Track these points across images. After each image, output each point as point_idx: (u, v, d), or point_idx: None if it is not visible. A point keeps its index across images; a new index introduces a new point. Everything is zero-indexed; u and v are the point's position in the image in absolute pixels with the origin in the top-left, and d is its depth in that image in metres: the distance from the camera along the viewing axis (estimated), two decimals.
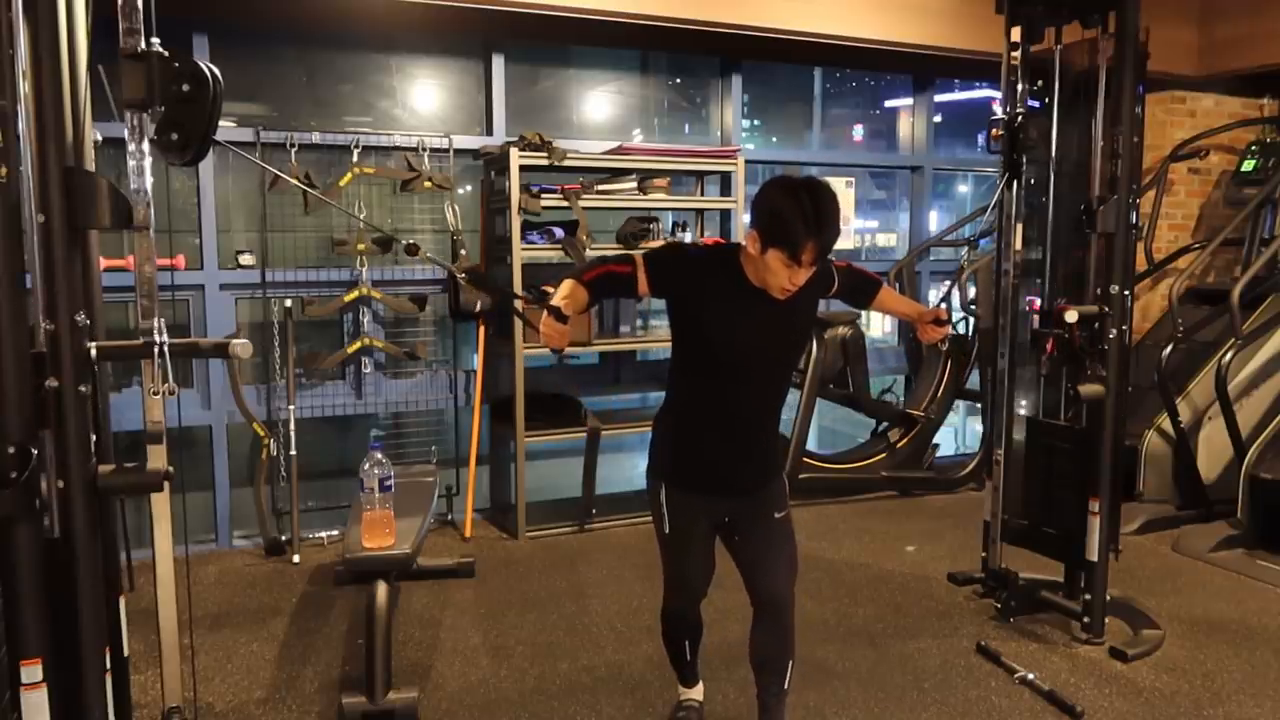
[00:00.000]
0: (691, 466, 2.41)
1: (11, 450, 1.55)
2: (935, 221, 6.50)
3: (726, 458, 2.38)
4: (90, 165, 1.79)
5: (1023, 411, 3.75)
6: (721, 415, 2.34)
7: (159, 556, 2.37)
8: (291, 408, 4.25)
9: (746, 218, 5.28)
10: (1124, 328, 3.34)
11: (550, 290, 4.90)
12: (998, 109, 3.58)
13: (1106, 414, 3.32)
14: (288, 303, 4.25)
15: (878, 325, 7.04)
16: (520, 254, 4.35)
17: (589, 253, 4.43)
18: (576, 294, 2.31)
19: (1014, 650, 3.32)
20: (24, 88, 1.55)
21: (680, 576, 2.56)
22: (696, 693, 2.82)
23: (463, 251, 4.47)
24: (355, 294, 4.41)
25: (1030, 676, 3.09)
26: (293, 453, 4.24)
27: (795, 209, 2.10)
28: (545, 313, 2.26)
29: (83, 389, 1.66)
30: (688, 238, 4.82)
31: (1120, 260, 3.27)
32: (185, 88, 1.71)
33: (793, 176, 2.27)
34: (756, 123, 6.72)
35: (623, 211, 4.77)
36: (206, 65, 1.72)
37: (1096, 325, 3.30)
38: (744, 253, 2.27)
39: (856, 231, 6.49)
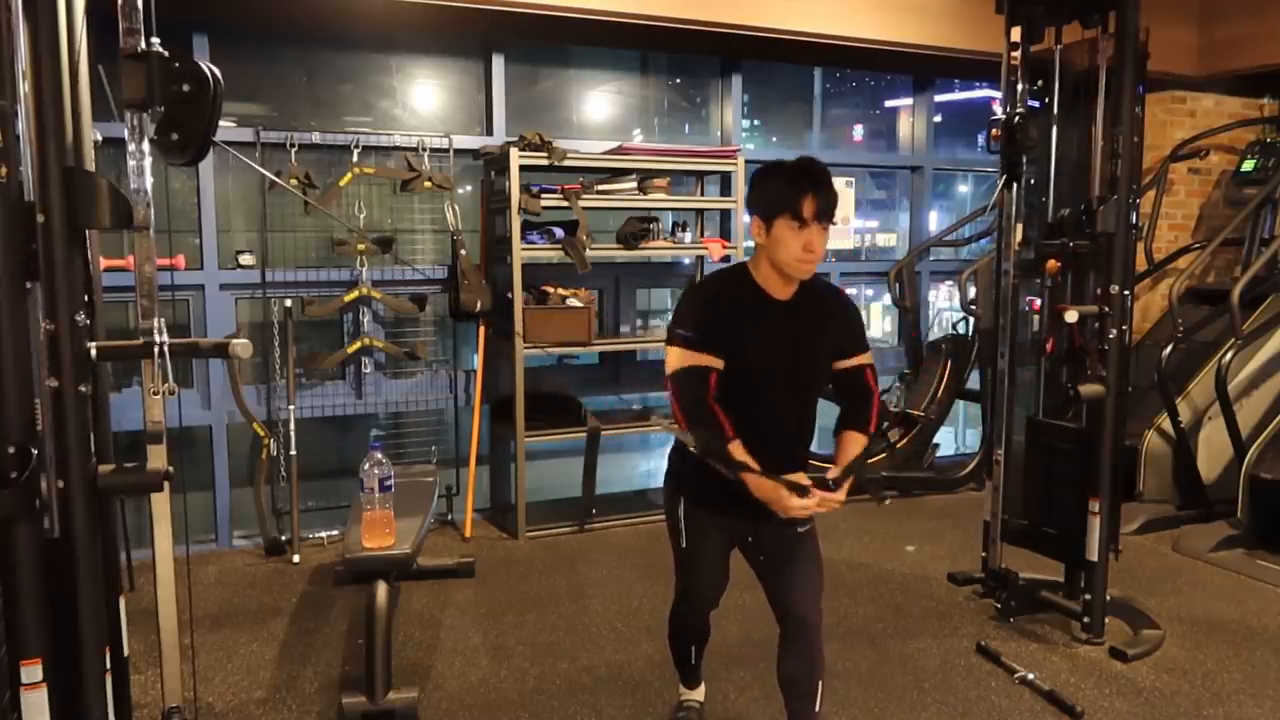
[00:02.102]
0: (715, 488, 2.34)
1: (11, 450, 1.55)
2: (935, 221, 6.50)
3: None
4: (90, 165, 1.79)
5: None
6: (749, 438, 2.26)
7: (159, 556, 2.37)
8: (291, 408, 4.25)
9: (747, 218, 5.29)
10: (1124, 328, 3.34)
11: (550, 290, 4.91)
12: (998, 109, 3.57)
13: (1106, 414, 3.32)
14: (288, 303, 4.25)
15: (877, 325, 7.04)
16: (520, 254, 4.35)
17: (588, 253, 4.44)
18: (738, 447, 2.20)
19: (1014, 650, 3.32)
20: (24, 88, 1.55)
21: (694, 589, 2.55)
22: (698, 694, 2.82)
23: (463, 251, 4.47)
24: (355, 294, 4.41)
25: (1030, 676, 3.09)
26: (293, 453, 4.24)
27: (784, 171, 2.17)
28: (784, 490, 2.16)
29: (83, 389, 1.66)
30: (688, 238, 4.81)
31: (1120, 260, 3.27)
32: (185, 88, 1.71)
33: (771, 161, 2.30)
34: (756, 123, 6.72)
35: (623, 211, 4.77)
36: (207, 65, 1.71)
37: (1096, 325, 3.30)
38: (752, 262, 2.26)
39: (856, 231, 6.49)
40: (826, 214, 2.16)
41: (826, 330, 2.33)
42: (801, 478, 2.19)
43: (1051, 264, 3.47)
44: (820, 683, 2.36)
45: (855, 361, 2.38)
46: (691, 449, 2.23)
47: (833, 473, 2.26)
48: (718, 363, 2.21)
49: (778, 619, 2.40)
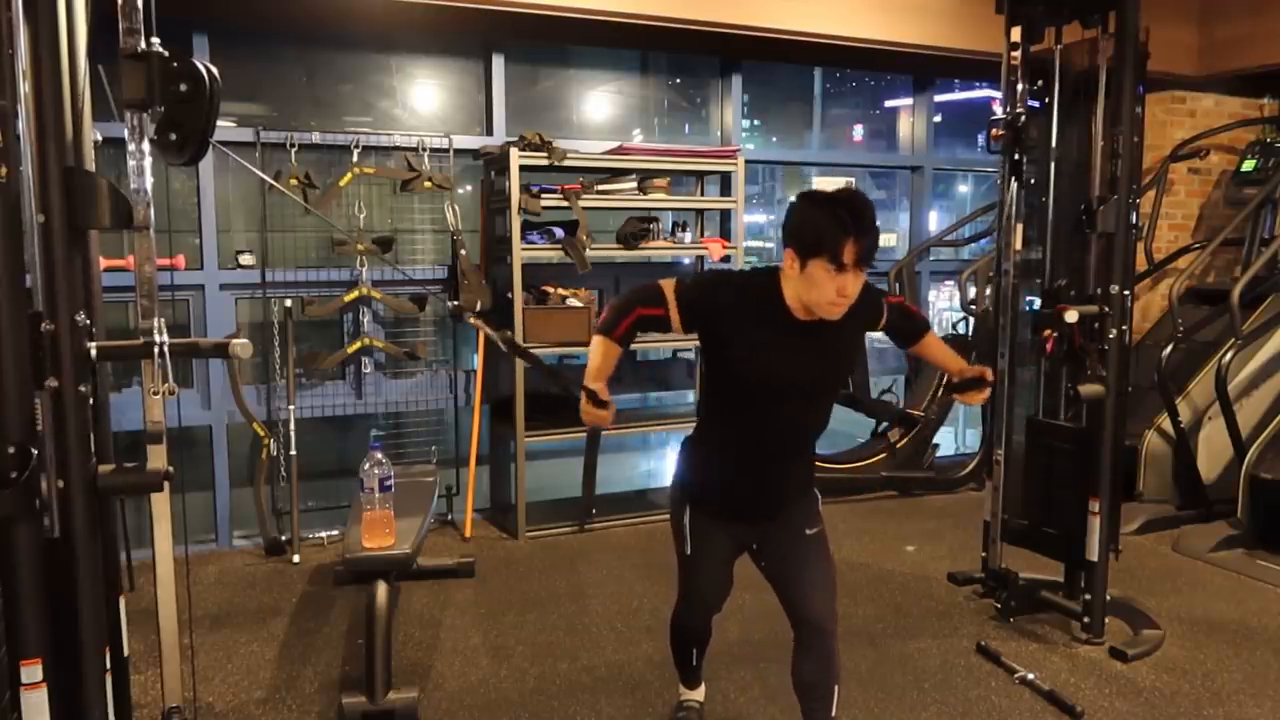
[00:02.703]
0: (720, 495, 2.34)
1: (11, 450, 1.55)
2: (935, 221, 6.50)
3: (757, 490, 2.31)
4: (90, 165, 1.79)
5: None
6: (755, 449, 2.25)
7: (159, 556, 2.37)
8: (291, 408, 4.25)
9: (747, 218, 5.28)
10: (1124, 328, 3.34)
11: (550, 290, 4.91)
12: (998, 109, 3.58)
13: (1106, 414, 3.32)
14: (288, 303, 4.25)
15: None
16: (520, 254, 4.35)
17: (589, 253, 4.44)
18: (608, 362, 2.24)
19: (1014, 650, 3.32)
20: (24, 88, 1.55)
21: (697, 594, 2.54)
22: (698, 694, 2.81)
23: (463, 251, 4.48)
24: (355, 294, 4.41)
25: (1030, 676, 3.09)
26: (293, 453, 4.24)
27: (828, 212, 2.03)
28: (584, 397, 2.20)
29: (83, 389, 1.66)
30: (688, 238, 4.81)
31: (1120, 260, 3.27)
32: (184, 88, 1.71)
33: (812, 190, 2.21)
34: (756, 123, 6.72)
35: (623, 211, 4.76)
36: (204, 65, 1.71)
37: (1096, 325, 3.30)
38: (782, 275, 2.16)
39: None
40: (867, 259, 2.06)
41: (843, 342, 2.28)
42: (603, 390, 2.23)
43: (1047, 332, 3.43)
44: (836, 687, 2.33)
45: (889, 314, 2.40)
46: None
47: (966, 371, 2.41)
48: (674, 320, 2.21)
49: (792, 624, 2.36)
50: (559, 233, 4.48)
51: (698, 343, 2.33)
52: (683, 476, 2.46)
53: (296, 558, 4.20)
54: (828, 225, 2.02)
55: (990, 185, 6.85)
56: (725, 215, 5.18)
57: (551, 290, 4.58)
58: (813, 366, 2.21)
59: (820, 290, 2.06)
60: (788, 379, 2.20)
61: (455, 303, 2.62)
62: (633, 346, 5.39)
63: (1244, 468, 4.42)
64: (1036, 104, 3.57)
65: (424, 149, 4.53)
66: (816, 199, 2.09)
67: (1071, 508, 3.41)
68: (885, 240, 6.81)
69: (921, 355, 2.60)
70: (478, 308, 4.44)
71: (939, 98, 6.23)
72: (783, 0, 4.69)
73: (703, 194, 5.16)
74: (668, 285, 2.24)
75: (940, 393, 5.37)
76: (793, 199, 2.18)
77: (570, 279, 4.63)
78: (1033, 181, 3.61)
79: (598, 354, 2.26)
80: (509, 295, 4.42)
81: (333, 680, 3.11)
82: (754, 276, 2.27)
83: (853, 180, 5.88)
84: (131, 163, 1.77)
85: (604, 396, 2.20)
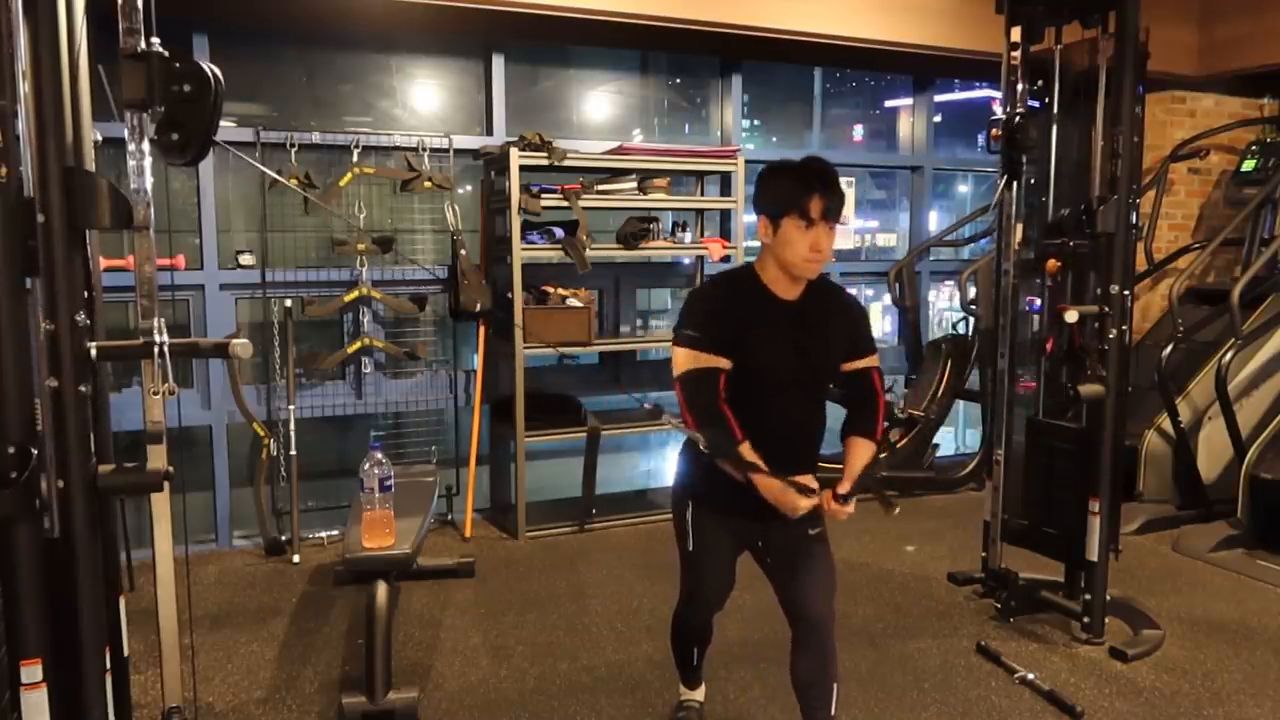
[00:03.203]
0: (724, 492, 2.33)
1: (11, 450, 1.55)
2: (935, 221, 6.50)
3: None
4: (90, 165, 1.79)
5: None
6: (756, 437, 2.25)
7: (159, 556, 2.37)
8: (291, 408, 4.25)
9: (747, 218, 5.28)
10: (1124, 328, 3.34)
11: (550, 290, 4.91)
12: (998, 109, 3.57)
13: (1106, 414, 3.32)
14: (288, 303, 4.25)
15: (877, 325, 7.04)
16: (520, 254, 4.35)
17: (589, 253, 4.44)
18: (747, 443, 2.21)
19: (1014, 650, 3.32)
20: (24, 88, 1.55)
21: (699, 592, 2.54)
22: (698, 694, 2.81)
23: (463, 251, 4.48)
24: (355, 294, 4.41)
25: (1030, 676, 3.09)
26: (293, 453, 4.24)
27: (791, 171, 2.16)
28: (795, 493, 2.17)
29: (83, 389, 1.66)
30: (688, 238, 4.81)
31: (1120, 260, 3.27)
32: (186, 88, 1.71)
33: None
34: (756, 123, 6.71)
35: (623, 211, 4.77)
36: (207, 65, 1.71)
37: (1096, 325, 3.30)
38: (759, 263, 2.25)
39: (856, 231, 6.50)
40: (834, 213, 2.16)
41: (834, 330, 2.33)
42: (809, 480, 2.19)
43: (1051, 263, 3.47)
44: (835, 685, 2.34)
45: (862, 364, 2.38)
46: (703, 448, 2.22)
47: (843, 486, 2.26)
48: (725, 363, 2.21)
49: (790, 622, 2.38)
50: (559, 233, 4.48)
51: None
52: (686, 474, 2.47)
53: (296, 558, 4.20)
54: (794, 185, 2.15)
55: (990, 185, 6.85)
56: (725, 215, 5.18)
57: (551, 290, 4.58)
58: (805, 348, 2.27)
59: (794, 248, 2.17)
60: (784, 363, 2.24)
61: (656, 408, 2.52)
62: (633, 346, 5.42)
63: (1244, 468, 4.42)
64: (1036, 104, 3.57)
65: (424, 149, 4.53)
66: (778, 166, 2.21)
67: (1071, 508, 3.41)
68: (885, 240, 6.82)
69: (844, 433, 2.42)
70: (477, 307, 4.44)
71: (939, 98, 6.24)
72: (783, 0, 4.69)
73: (703, 194, 5.17)
74: (690, 356, 2.23)
75: (931, 401, 5.37)
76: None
77: (570, 279, 4.63)
78: (1033, 181, 3.61)
79: (742, 450, 2.20)
80: (509, 295, 4.42)
81: (333, 680, 3.11)
82: (729, 276, 2.37)
83: (852, 180, 5.87)
84: (131, 163, 1.77)
85: (811, 485, 2.19)
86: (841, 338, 2.35)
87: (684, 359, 2.24)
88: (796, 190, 2.14)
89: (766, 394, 2.26)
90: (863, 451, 2.36)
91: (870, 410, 2.40)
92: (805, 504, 2.18)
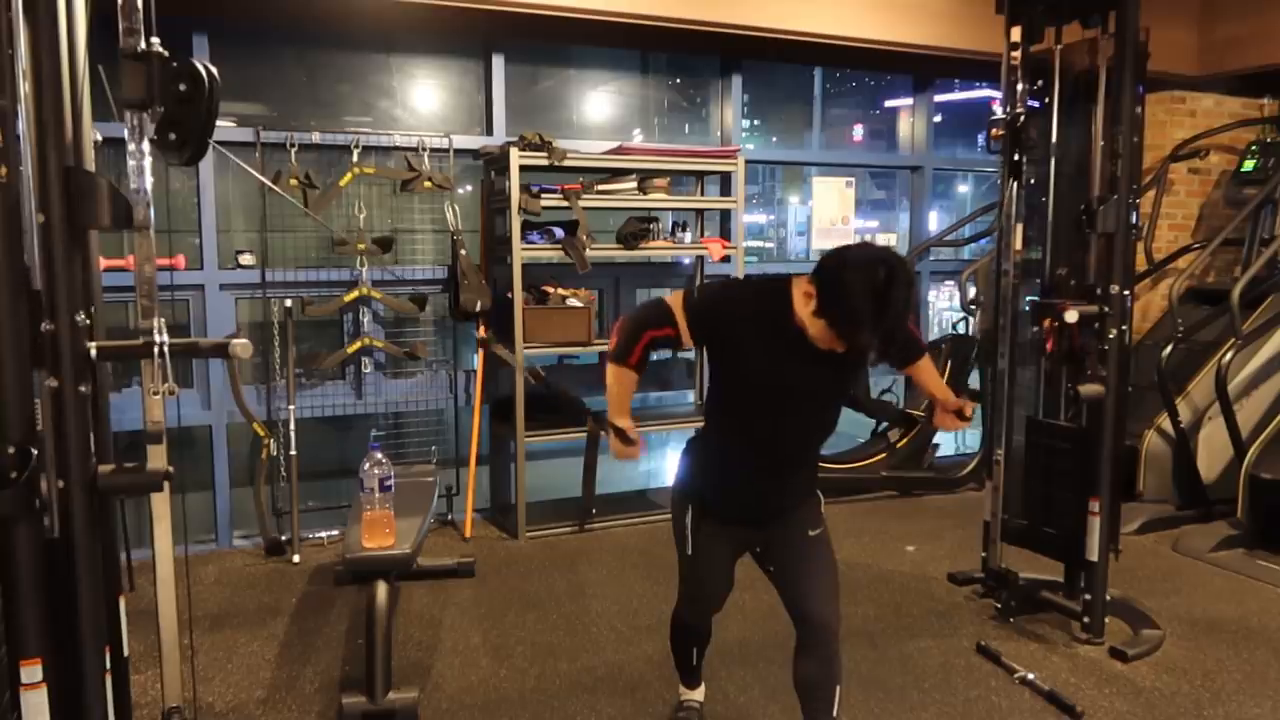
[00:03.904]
0: (723, 500, 2.33)
1: (11, 450, 1.55)
2: (935, 221, 6.50)
3: (762, 496, 2.32)
4: (90, 165, 1.79)
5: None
6: (761, 455, 2.24)
7: (159, 556, 2.37)
8: (291, 408, 4.25)
9: (747, 218, 5.28)
10: (1124, 328, 3.34)
11: (550, 290, 4.91)
12: (998, 109, 3.58)
13: (1106, 414, 3.32)
14: (288, 303, 4.24)
15: None
16: (520, 254, 4.35)
17: (589, 253, 4.44)
18: (627, 392, 2.23)
19: (1014, 650, 3.32)
20: (24, 88, 1.55)
21: (698, 595, 2.54)
22: (698, 694, 2.81)
23: (463, 251, 4.48)
24: (355, 294, 4.41)
25: (1030, 676, 3.09)
26: (293, 453, 4.24)
27: (861, 301, 1.95)
28: (611, 434, 2.21)
29: (83, 389, 1.66)
30: (688, 238, 4.81)
31: (1120, 260, 3.27)
32: (184, 88, 1.71)
33: (875, 253, 2.02)
34: (756, 123, 6.72)
35: (623, 211, 4.77)
36: (203, 65, 1.71)
37: (1096, 325, 3.30)
38: (797, 289, 2.11)
39: (856, 232, 6.50)
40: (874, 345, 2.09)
41: (855, 364, 2.24)
42: (630, 428, 2.23)
43: (1046, 323, 3.43)
44: (838, 688, 2.32)
45: (919, 364, 2.51)
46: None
47: (954, 401, 2.45)
48: (681, 340, 2.20)
49: (795, 624, 2.36)
50: (559, 233, 4.48)
51: (699, 349, 2.32)
52: (686, 478, 2.46)
53: (296, 558, 4.20)
54: (853, 312, 1.97)
55: (990, 185, 6.85)
56: (725, 215, 5.18)
57: (552, 290, 4.58)
58: (822, 378, 2.21)
59: (821, 337, 2.07)
60: (797, 390, 2.20)
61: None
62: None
63: (1244, 468, 4.42)
64: (1036, 104, 3.57)
65: (424, 149, 4.53)
66: (862, 278, 1.96)
67: (1071, 508, 3.41)
68: (885, 240, 6.82)
69: (914, 377, 2.62)
70: (478, 308, 4.44)
71: (939, 98, 6.23)
72: (783, 0, 4.69)
73: (703, 194, 5.16)
74: (675, 302, 2.22)
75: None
76: (845, 247, 2.09)
77: (570, 279, 4.63)
78: (1033, 181, 3.61)
79: (615, 385, 2.24)
80: (509, 295, 4.42)
81: (333, 680, 3.11)
82: (765, 288, 2.23)
83: (852, 180, 5.86)
84: (131, 163, 1.77)
85: (632, 434, 2.20)
86: (863, 370, 2.32)
87: (665, 306, 2.22)
88: (853, 320, 1.98)
89: (769, 414, 2.22)
90: (928, 371, 2.55)
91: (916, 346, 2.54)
92: (623, 449, 2.21)
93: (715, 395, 2.36)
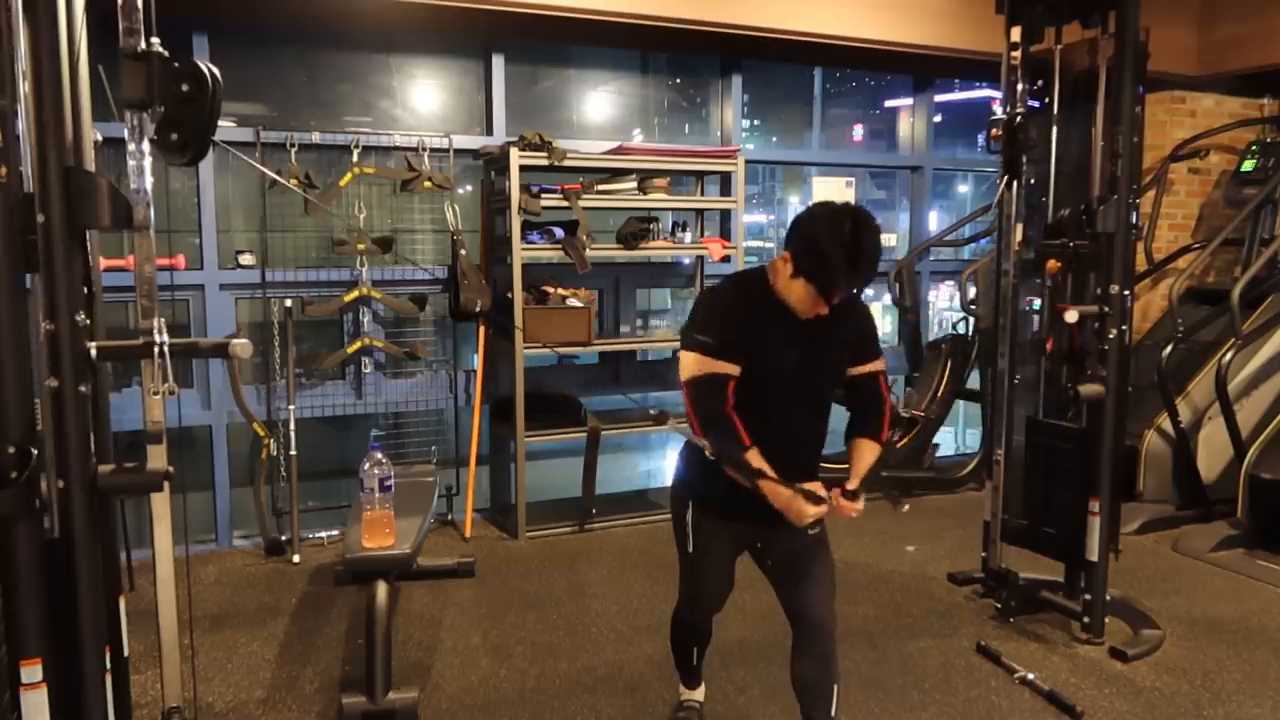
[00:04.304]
0: (725, 494, 2.33)
1: (11, 450, 1.55)
2: (935, 221, 6.50)
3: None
4: (90, 165, 1.79)
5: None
6: (761, 441, 2.25)
7: (159, 556, 2.37)
8: (291, 408, 4.25)
9: (747, 218, 5.28)
10: (1124, 328, 3.34)
11: (550, 290, 4.90)
12: (998, 109, 3.58)
13: (1106, 414, 3.32)
14: (288, 303, 4.24)
15: (878, 326, 7.03)
16: (520, 254, 4.35)
17: (589, 253, 4.44)
18: (755, 448, 2.20)
19: (1014, 650, 3.32)
20: (24, 88, 1.55)
21: (699, 594, 2.54)
22: (698, 694, 2.81)
23: (463, 251, 4.48)
24: (355, 294, 4.41)
25: (1030, 676, 3.09)
26: (293, 453, 4.24)
27: (836, 246, 2.06)
28: (804, 499, 2.17)
29: (83, 389, 1.66)
30: (688, 238, 4.81)
31: (1120, 260, 3.27)
32: (185, 88, 1.71)
33: (839, 206, 2.15)
34: (756, 123, 6.72)
35: (623, 211, 4.77)
36: (206, 65, 1.71)
37: (1096, 325, 3.30)
38: (772, 269, 2.23)
39: None
40: (855, 292, 2.17)
41: (840, 336, 2.31)
42: (818, 487, 2.20)
43: (1052, 264, 3.47)
44: (836, 687, 2.34)
45: (868, 368, 2.39)
46: (709, 455, 2.21)
47: (851, 484, 2.29)
48: (735, 370, 2.20)
49: (792, 623, 2.38)
50: (559, 233, 4.48)
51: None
52: (686, 476, 2.46)
53: (296, 558, 4.20)
54: (827, 263, 2.08)
55: (990, 185, 6.85)
56: (725, 215, 5.18)
57: (552, 290, 4.58)
58: (811, 355, 2.26)
59: (801, 301, 2.17)
60: (789, 370, 2.24)
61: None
62: (633, 346, 5.41)
63: (1244, 468, 4.42)
64: (1036, 104, 3.57)
65: (424, 149, 4.53)
66: (829, 230, 2.08)
67: (1071, 508, 3.41)
68: (885, 240, 6.80)
69: (849, 435, 2.45)
70: (478, 308, 4.44)
71: (939, 98, 6.23)
72: (783, 0, 4.69)
73: (703, 194, 5.16)
74: (701, 363, 2.21)
75: (931, 401, 5.37)
76: (810, 205, 2.19)
77: (570, 279, 4.63)
78: (1033, 181, 3.61)
79: (749, 456, 2.19)
80: (509, 295, 4.42)
81: (333, 680, 3.11)
82: (744, 282, 2.32)
83: (852, 180, 5.86)
84: (131, 163, 1.77)
85: (821, 493, 2.19)
86: (848, 344, 2.34)
87: (692, 364, 2.23)
88: (828, 271, 2.09)
89: (771, 399, 2.25)
90: (868, 453, 2.38)
91: (876, 413, 2.40)
92: (814, 512, 2.18)
93: None
